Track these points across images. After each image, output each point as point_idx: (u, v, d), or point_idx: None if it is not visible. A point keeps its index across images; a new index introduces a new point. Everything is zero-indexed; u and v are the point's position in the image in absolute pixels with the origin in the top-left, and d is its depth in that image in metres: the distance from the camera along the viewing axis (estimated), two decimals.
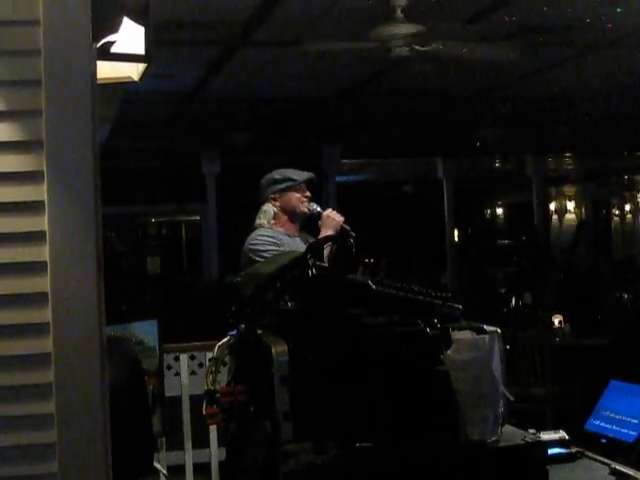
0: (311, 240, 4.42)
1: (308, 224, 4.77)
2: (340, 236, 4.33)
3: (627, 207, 20.54)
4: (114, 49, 2.87)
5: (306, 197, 4.70)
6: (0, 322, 2.55)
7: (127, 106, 6.83)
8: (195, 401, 6.08)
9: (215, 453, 6.14)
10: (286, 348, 2.40)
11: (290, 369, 2.37)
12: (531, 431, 2.61)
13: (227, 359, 2.86)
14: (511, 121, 12.97)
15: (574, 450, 3.16)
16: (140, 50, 2.97)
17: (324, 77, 10.04)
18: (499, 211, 22.84)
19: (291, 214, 4.69)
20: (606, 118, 12.69)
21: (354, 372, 2.42)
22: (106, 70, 3.27)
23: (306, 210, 4.68)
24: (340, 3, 7.19)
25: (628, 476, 2.96)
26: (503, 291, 14.10)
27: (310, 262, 2.69)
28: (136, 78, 3.62)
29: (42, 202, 2.56)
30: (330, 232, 4.46)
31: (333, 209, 4.68)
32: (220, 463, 6.00)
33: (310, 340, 2.46)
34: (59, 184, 2.57)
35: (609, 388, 3.97)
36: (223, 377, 2.79)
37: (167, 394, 5.69)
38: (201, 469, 6.30)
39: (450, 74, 9.27)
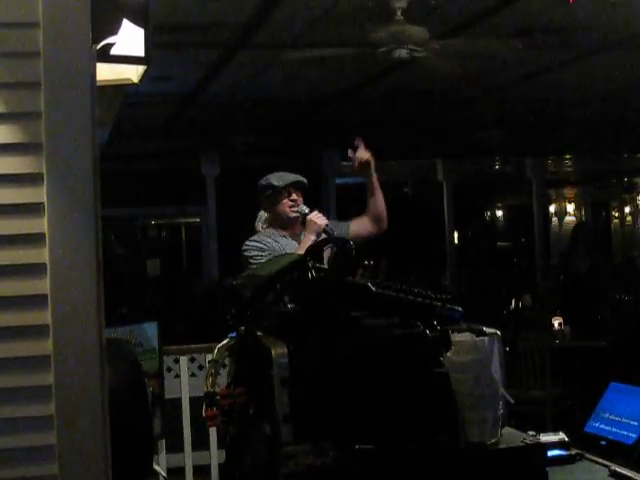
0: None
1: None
2: (340, 238, 4.32)
3: (627, 209, 20.55)
4: (114, 51, 2.88)
5: (292, 201, 4.68)
6: (0, 324, 2.55)
7: (126, 108, 6.82)
8: (195, 403, 6.07)
9: (215, 455, 6.13)
10: (286, 350, 2.40)
11: (290, 371, 2.37)
12: (531, 433, 2.61)
13: (227, 361, 2.86)
14: (511, 123, 12.98)
15: (574, 452, 3.16)
16: (140, 52, 2.98)
17: (324, 79, 10.04)
18: (499, 213, 22.84)
19: (279, 218, 4.71)
20: (606, 120, 12.70)
21: (354, 374, 2.42)
22: (106, 72, 3.27)
23: (293, 215, 4.67)
24: (339, 5, 7.19)
25: (628, 478, 2.96)
26: (503, 293, 14.10)
27: (310, 264, 2.69)
28: (136, 80, 3.62)
29: (42, 204, 2.56)
30: (312, 236, 4.49)
31: (319, 212, 4.67)
32: (220, 465, 6.00)
33: (310, 342, 2.46)
34: (59, 186, 2.57)
35: (609, 390, 3.97)
36: (223, 379, 2.79)
37: (167, 396, 5.69)
38: (201, 471, 6.29)
39: (450, 76, 9.26)
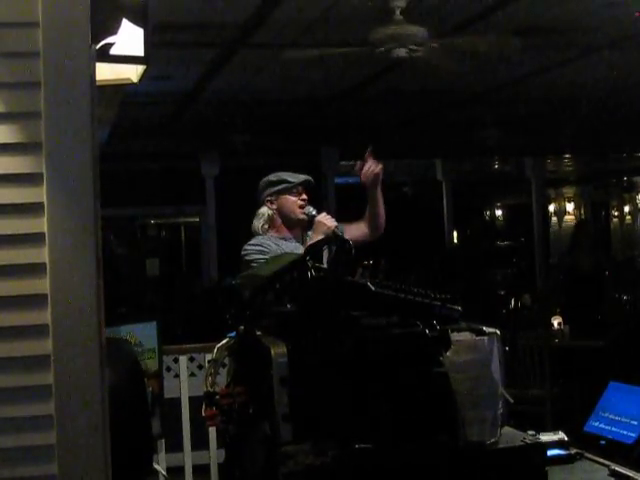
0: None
1: (311, 227, 4.70)
2: (339, 238, 4.30)
3: (626, 209, 20.56)
4: (113, 51, 2.87)
5: (302, 200, 4.61)
6: (0, 324, 2.55)
7: (126, 108, 6.83)
8: (194, 403, 6.07)
9: (214, 455, 6.13)
10: (285, 350, 2.40)
11: (289, 371, 2.37)
12: (530, 432, 2.61)
13: (226, 361, 2.86)
14: (511, 123, 12.98)
15: (573, 451, 3.15)
16: (139, 52, 2.97)
17: (323, 79, 10.04)
18: (498, 212, 22.86)
19: (286, 218, 4.62)
20: (606, 120, 12.70)
21: (353, 373, 2.42)
22: (105, 72, 3.28)
23: (301, 215, 4.59)
24: (339, 5, 7.19)
25: (627, 477, 2.96)
26: (502, 293, 14.12)
27: (309, 264, 2.69)
28: (135, 80, 3.62)
29: (41, 204, 2.56)
30: (321, 237, 4.40)
31: (327, 213, 4.60)
32: (219, 465, 6.00)
33: (309, 342, 2.46)
34: (58, 186, 2.57)
35: (608, 389, 3.97)
36: (222, 379, 2.79)
37: (166, 396, 5.69)
38: (200, 471, 6.29)
39: (449, 75, 9.27)
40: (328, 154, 14.86)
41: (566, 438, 3.17)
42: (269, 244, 4.52)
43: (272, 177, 4.66)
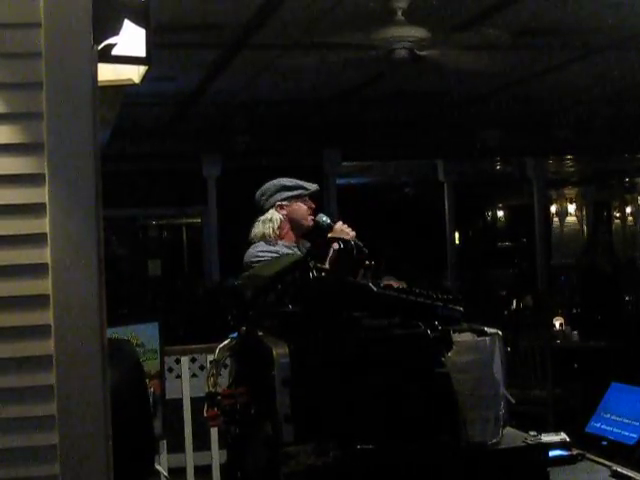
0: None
1: (311, 234, 4.58)
2: (339, 238, 4.26)
3: (628, 209, 20.53)
4: (115, 52, 2.87)
5: (311, 208, 4.52)
6: (1, 324, 2.55)
7: (128, 109, 6.83)
8: (196, 403, 6.07)
9: (216, 455, 6.13)
10: (287, 350, 2.40)
11: (291, 371, 2.37)
12: (532, 433, 2.61)
13: (228, 361, 2.86)
14: (512, 123, 12.98)
15: (575, 452, 3.15)
16: (141, 52, 2.97)
17: (325, 79, 10.05)
18: (500, 213, 22.83)
19: (295, 224, 4.50)
20: (607, 120, 12.70)
21: (355, 374, 2.42)
22: (107, 72, 3.27)
23: (311, 223, 4.49)
24: (340, 6, 7.20)
25: (629, 478, 2.96)
26: (504, 293, 14.12)
27: (311, 264, 2.69)
28: (137, 81, 3.62)
29: (43, 204, 2.56)
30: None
31: (343, 223, 4.42)
32: (221, 465, 6.00)
33: (311, 342, 2.46)
34: (60, 187, 2.57)
35: (610, 390, 3.97)
36: (224, 379, 2.80)
37: (168, 396, 5.69)
38: (202, 471, 6.30)
39: (451, 76, 9.28)
40: (330, 155, 14.86)
41: (568, 439, 3.17)
42: (279, 250, 4.38)
43: (286, 182, 4.52)
